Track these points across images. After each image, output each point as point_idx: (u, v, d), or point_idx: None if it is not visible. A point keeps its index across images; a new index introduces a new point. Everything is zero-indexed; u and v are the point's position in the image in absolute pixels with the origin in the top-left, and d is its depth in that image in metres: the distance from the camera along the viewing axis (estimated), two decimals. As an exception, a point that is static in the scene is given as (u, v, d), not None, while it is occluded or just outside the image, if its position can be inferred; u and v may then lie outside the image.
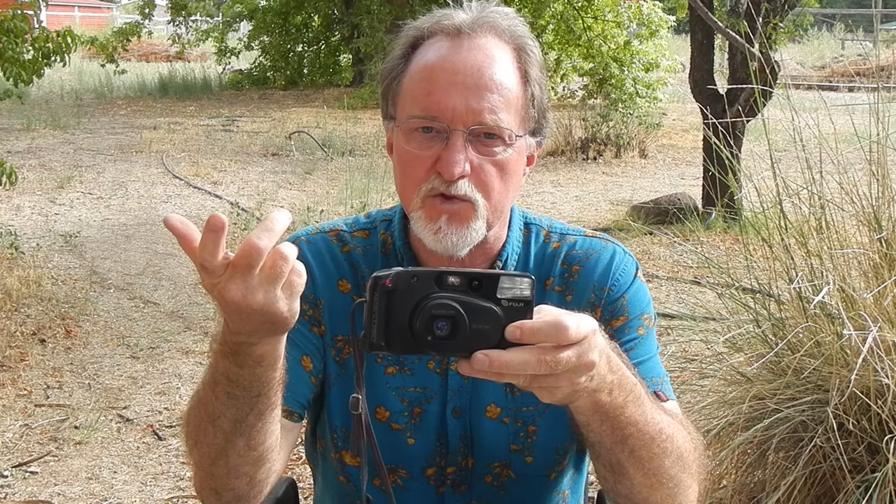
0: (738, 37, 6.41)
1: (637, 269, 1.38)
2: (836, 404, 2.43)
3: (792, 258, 2.93)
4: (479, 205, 1.24)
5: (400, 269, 0.98)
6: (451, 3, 1.31)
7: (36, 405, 4.00)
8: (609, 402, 1.05)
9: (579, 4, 14.46)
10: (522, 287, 0.96)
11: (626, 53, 13.67)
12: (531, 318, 0.95)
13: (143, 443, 3.69)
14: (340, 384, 1.34)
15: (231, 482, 1.18)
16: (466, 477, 1.34)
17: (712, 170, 4.35)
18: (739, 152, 5.77)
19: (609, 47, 13.74)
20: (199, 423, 1.16)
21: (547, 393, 0.99)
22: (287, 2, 17.62)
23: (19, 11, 5.67)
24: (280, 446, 1.21)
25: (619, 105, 12.37)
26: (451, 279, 0.96)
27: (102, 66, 14.85)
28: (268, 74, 17.90)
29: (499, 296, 0.95)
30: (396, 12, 14.26)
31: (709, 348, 3.27)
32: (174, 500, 3.28)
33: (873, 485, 2.40)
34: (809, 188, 2.98)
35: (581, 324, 0.95)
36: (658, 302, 4.99)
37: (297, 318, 1.01)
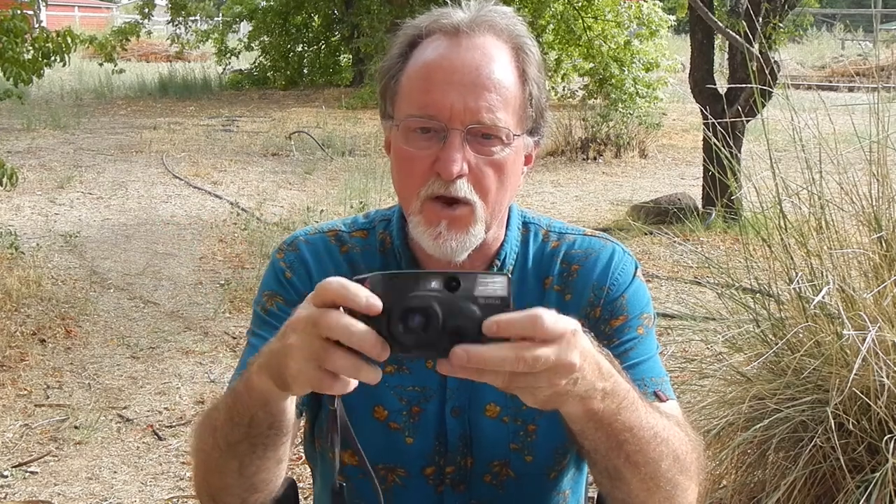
0: (738, 37, 6.41)
1: (636, 269, 1.38)
2: (835, 404, 2.43)
3: (792, 258, 2.93)
4: (477, 207, 1.23)
5: (381, 272, 0.97)
6: (449, 2, 1.31)
7: (36, 405, 4.00)
8: (602, 409, 1.04)
9: (579, 4, 14.45)
10: (499, 285, 0.96)
11: (626, 53, 13.67)
12: None
13: (143, 443, 3.69)
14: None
15: (225, 497, 1.20)
16: (465, 476, 1.34)
17: (712, 170, 4.35)
18: (739, 152, 5.77)
19: (609, 47, 13.73)
20: (206, 428, 1.19)
21: (528, 395, 0.97)
22: (287, 2, 17.62)
23: (19, 11, 5.67)
24: None
25: (619, 105, 12.36)
26: (430, 280, 0.96)
27: (100, 65, 14.85)
28: (268, 74, 17.91)
29: (476, 294, 0.95)
30: (396, 12, 14.25)
31: (709, 348, 3.27)
32: (174, 500, 3.28)
33: (873, 484, 2.40)
34: (809, 188, 2.98)
35: (559, 320, 0.94)
36: (658, 302, 4.99)
37: (295, 391, 1.03)
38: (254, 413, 1.09)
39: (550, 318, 0.93)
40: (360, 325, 0.92)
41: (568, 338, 0.95)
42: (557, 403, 1.00)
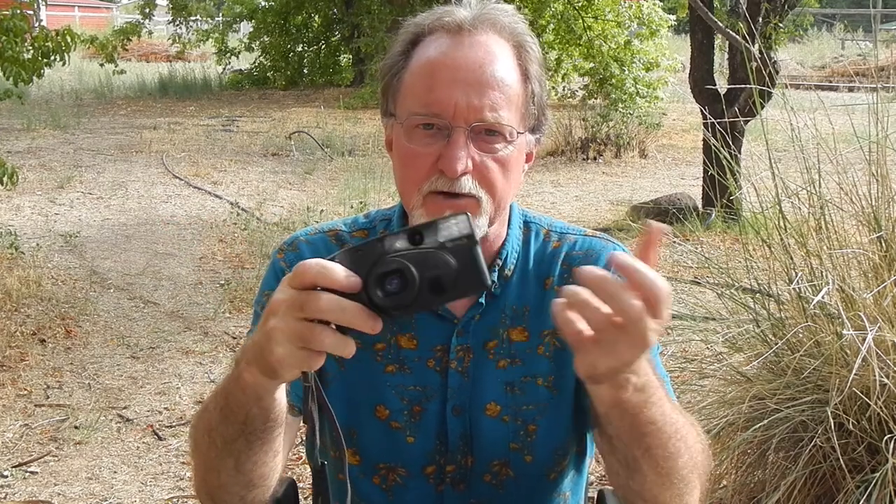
0: (737, 37, 6.41)
1: (637, 269, 1.38)
2: (835, 404, 2.43)
3: (791, 258, 2.93)
4: (483, 201, 1.24)
5: (343, 250, 0.97)
6: (451, 0, 1.31)
7: (36, 405, 4.00)
8: (630, 400, 1.03)
9: (579, 4, 14.46)
10: (460, 224, 0.96)
11: (626, 53, 13.67)
12: (478, 253, 0.95)
13: (143, 443, 3.69)
14: (339, 382, 1.34)
15: (223, 496, 1.20)
16: (466, 475, 1.34)
17: (712, 170, 4.35)
18: (739, 153, 5.78)
19: (609, 47, 13.74)
20: (200, 429, 1.19)
21: (601, 355, 0.95)
22: (287, 2, 17.62)
23: (19, 11, 5.67)
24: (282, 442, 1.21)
25: (620, 105, 12.37)
26: (394, 241, 0.96)
27: (101, 65, 14.87)
28: (268, 74, 17.91)
29: (441, 240, 0.95)
30: (396, 12, 14.25)
31: (709, 348, 3.27)
32: (174, 500, 3.28)
33: (873, 484, 2.40)
34: (808, 188, 2.98)
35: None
36: (658, 302, 4.97)
37: (283, 376, 1.01)
38: (248, 410, 1.09)
39: (666, 288, 0.92)
40: (349, 303, 0.93)
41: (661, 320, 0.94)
42: (609, 377, 0.98)
